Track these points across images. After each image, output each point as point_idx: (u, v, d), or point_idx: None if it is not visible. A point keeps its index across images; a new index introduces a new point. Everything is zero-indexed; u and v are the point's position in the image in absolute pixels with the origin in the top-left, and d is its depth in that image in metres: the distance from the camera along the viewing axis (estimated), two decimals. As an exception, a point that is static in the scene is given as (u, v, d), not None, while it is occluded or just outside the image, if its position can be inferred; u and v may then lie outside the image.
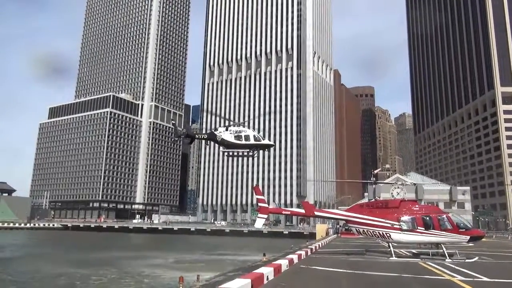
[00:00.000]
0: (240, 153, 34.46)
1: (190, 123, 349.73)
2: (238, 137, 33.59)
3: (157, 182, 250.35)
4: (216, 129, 34.99)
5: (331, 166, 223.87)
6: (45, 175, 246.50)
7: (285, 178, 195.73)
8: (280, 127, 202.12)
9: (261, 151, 34.78)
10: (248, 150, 33.66)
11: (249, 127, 35.25)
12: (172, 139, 43.49)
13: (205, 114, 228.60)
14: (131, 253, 54.70)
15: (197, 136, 35.84)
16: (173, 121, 40.71)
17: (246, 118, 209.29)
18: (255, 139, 33.62)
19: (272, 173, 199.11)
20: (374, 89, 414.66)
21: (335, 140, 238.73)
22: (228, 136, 33.74)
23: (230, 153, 34.39)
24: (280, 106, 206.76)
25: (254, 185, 34.85)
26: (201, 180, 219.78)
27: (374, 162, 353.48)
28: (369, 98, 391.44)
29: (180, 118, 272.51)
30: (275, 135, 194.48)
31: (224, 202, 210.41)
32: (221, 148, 34.78)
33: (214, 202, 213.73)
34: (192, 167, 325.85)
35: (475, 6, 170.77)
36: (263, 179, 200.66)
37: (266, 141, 34.18)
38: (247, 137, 33.53)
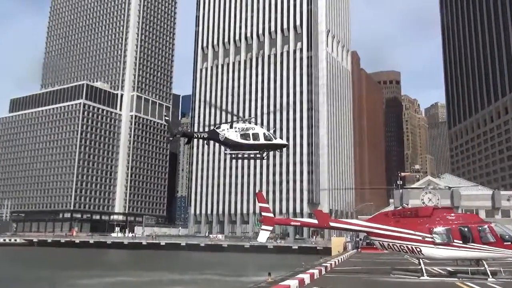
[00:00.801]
0: (248, 155, 34.72)
1: (180, 116, 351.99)
2: (245, 136, 33.82)
3: (140, 188, 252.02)
4: (218, 127, 35.18)
5: (349, 168, 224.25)
6: (6, 180, 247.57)
7: (294, 182, 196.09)
8: (288, 121, 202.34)
9: (271, 152, 35.31)
10: (257, 151, 33.88)
11: (256, 123, 35.36)
12: (166, 139, 43.55)
13: (197, 105, 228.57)
14: (98, 272, 54.47)
15: (195, 135, 35.98)
16: (166, 117, 40.56)
17: (242, 107, 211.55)
18: (266, 138, 33.82)
19: (278, 177, 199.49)
20: (400, 74, 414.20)
21: (354, 136, 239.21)
22: (233, 135, 34.01)
23: (236, 155, 34.76)
24: (287, 95, 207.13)
25: (257, 191, 35.49)
26: (193, 185, 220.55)
27: (401, 162, 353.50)
28: (394, 86, 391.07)
29: (168, 111, 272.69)
30: (281, 130, 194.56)
31: (221, 211, 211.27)
32: (224, 149, 35.24)
33: (209, 212, 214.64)
34: (182, 170, 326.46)
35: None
36: (267, 183, 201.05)
37: (278, 141, 34.39)
38: (255, 136, 33.80)
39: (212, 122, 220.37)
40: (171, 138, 37.19)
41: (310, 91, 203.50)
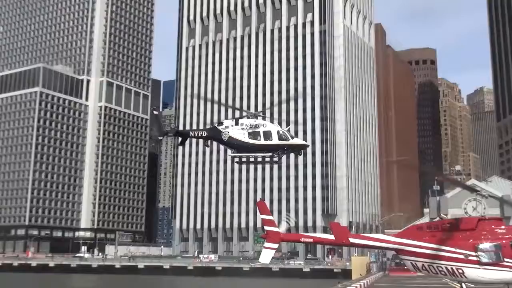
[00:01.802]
0: (258, 159, 35.24)
1: (161, 107, 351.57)
2: (254, 135, 34.35)
3: (112, 197, 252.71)
4: (220, 123, 35.63)
5: (372, 169, 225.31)
6: None
7: (305, 188, 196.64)
8: (296, 112, 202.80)
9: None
10: (270, 153, 34.38)
11: (265, 118, 35.97)
12: (153, 138, 44.28)
13: (182, 93, 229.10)
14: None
15: (192, 134, 36.51)
16: (155, 111, 39.86)
17: (238, 95, 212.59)
18: (280, 137, 34.29)
19: (284, 182, 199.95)
20: (436, 52, 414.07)
21: (379, 131, 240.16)
22: (240, 134, 34.57)
23: (243, 159, 35.21)
24: (295, 80, 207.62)
25: (258, 200, 35.65)
26: (178, 193, 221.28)
27: (438, 162, 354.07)
28: (428, 66, 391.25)
29: (146, 100, 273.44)
30: (287, 123, 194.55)
31: (213, 225, 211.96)
32: (229, 152, 35.64)
33: (198, 226, 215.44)
34: (165, 174, 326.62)
35: None
36: (271, 190, 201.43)
37: (296, 140, 34.98)
38: (267, 135, 34.29)
39: (202, 115, 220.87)
40: (160, 138, 37.51)
41: (324, 75, 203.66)
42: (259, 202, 32.19)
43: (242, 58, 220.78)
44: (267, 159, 35.25)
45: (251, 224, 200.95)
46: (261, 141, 34.17)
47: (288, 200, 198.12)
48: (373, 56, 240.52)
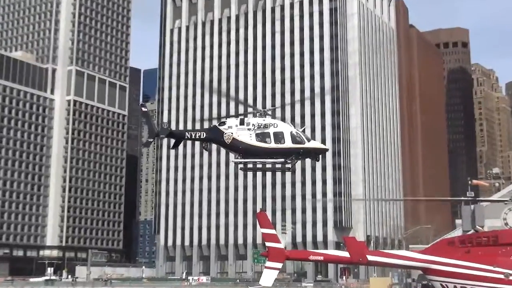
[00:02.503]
0: (268, 165, 35.85)
1: (141, 99, 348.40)
2: (263, 136, 34.64)
3: (83, 209, 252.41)
4: (222, 122, 36.22)
5: (394, 173, 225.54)
6: None
7: (313, 196, 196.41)
8: (302, 106, 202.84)
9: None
10: (282, 159, 34.80)
11: (274, 116, 36.27)
12: (144, 142, 44.53)
13: (166, 84, 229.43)
14: None
15: (188, 135, 37.12)
16: (144, 108, 40.48)
17: (233, 85, 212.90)
18: (294, 139, 34.56)
19: (289, 189, 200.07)
20: (469, 33, 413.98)
21: (401, 127, 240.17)
22: (246, 135, 34.78)
23: (250, 165, 35.82)
24: (301, 68, 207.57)
25: (258, 210, 35.75)
26: (163, 204, 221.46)
27: (472, 163, 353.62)
28: (460, 50, 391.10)
29: (123, 93, 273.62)
30: (292, 119, 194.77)
31: (204, 241, 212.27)
32: (233, 157, 36.11)
33: (186, 243, 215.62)
34: (147, 181, 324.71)
35: None
36: (273, 199, 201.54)
37: (313, 143, 35.24)
38: (279, 136, 34.57)
39: (190, 110, 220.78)
40: (150, 140, 38.46)
41: (335, 61, 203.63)
42: (259, 213, 32.56)
43: (237, 41, 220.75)
44: (278, 165, 35.65)
45: (249, 239, 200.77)
46: (271, 144, 34.35)
47: (293, 211, 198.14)
48: (394, 39, 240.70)
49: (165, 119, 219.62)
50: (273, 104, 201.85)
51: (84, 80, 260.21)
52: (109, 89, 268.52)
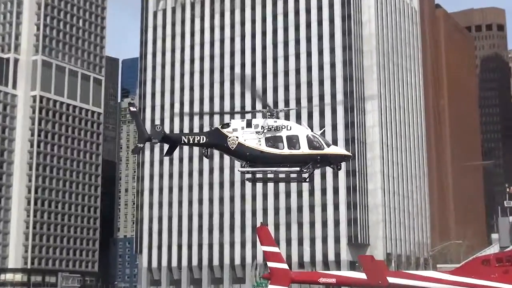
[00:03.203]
0: (281, 175, 36.48)
1: (119, 96, 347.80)
2: (274, 141, 34.94)
3: (52, 225, 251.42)
4: (225, 124, 36.64)
5: (419, 179, 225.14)
6: None
7: (323, 208, 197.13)
8: (309, 100, 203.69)
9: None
10: (297, 168, 35.14)
11: (278, 116, 36.53)
12: (133, 148, 44.24)
13: (149, 76, 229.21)
14: None
15: (185, 139, 37.40)
16: (132, 107, 40.69)
17: (227, 77, 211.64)
18: (311, 144, 34.85)
19: (295, 199, 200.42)
20: (505, 14, 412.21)
21: (426, 125, 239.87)
22: (254, 139, 35.11)
23: (259, 175, 37.07)
24: (307, 56, 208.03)
25: (258, 225, 36.29)
26: (146, 218, 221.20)
27: (511, 167, 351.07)
28: (494, 34, 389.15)
29: (98, 87, 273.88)
30: (297, 118, 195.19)
31: (195, 262, 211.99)
32: (239, 166, 36.67)
33: (173, 263, 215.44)
34: (126, 191, 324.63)
35: None
36: (276, 211, 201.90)
37: (333, 149, 35.64)
38: (293, 141, 34.89)
39: (177, 106, 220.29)
40: (140, 145, 38.16)
41: (347, 48, 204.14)
42: (260, 228, 35.48)
43: (232, 26, 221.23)
44: (293, 175, 36.11)
45: (248, 259, 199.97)
46: (284, 150, 34.71)
47: (300, 225, 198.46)
48: (417, 21, 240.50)
49: (147, 117, 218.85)
50: (275, 100, 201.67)
51: (52, 72, 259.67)
52: (81, 82, 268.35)
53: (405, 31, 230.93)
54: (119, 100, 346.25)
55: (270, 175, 36.52)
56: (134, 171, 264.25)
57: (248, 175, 36.95)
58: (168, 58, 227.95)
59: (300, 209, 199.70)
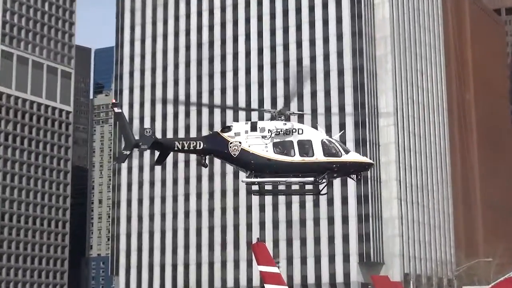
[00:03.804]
0: (293, 187, 36.55)
1: (92, 91, 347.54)
2: (283, 147, 35.06)
3: (14, 243, 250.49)
4: (226, 128, 36.77)
5: (441, 187, 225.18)
6: None
7: (330, 221, 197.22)
8: (314, 95, 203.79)
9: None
10: (312, 178, 35.31)
11: (287, 117, 36.29)
12: (117, 155, 43.52)
13: (126, 68, 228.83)
14: None
15: (178, 145, 37.62)
16: (116, 108, 40.40)
17: (218, 67, 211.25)
18: (327, 150, 35.04)
19: (297, 210, 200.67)
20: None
21: (449, 121, 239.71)
22: (260, 145, 35.18)
23: (266, 187, 36.63)
24: (312, 43, 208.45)
25: (255, 241, 36.28)
26: (122, 234, 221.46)
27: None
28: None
29: (67, 81, 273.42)
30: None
31: (180, 284, 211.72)
32: (244, 176, 36.30)
33: (155, 286, 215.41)
34: (100, 202, 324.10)
35: None
36: (275, 224, 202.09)
37: (353, 156, 35.88)
38: (305, 146, 35.00)
39: (159, 104, 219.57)
40: (126, 152, 37.70)
41: (357, 35, 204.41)
42: (256, 245, 34.87)
43: (223, 9, 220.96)
44: (307, 187, 36.16)
45: (242, 281, 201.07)
46: (295, 157, 34.49)
47: (303, 241, 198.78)
48: (439, 3, 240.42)
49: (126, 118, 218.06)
50: (273, 95, 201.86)
51: (13, 64, 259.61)
52: (47, 76, 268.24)
53: (425, 15, 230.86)
54: (91, 97, 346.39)
55: (280, 187, 36.59)
56: (109, 179, 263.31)
57: (254, 187, 36.34)
58: (149, 47, 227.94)
59: (303, 222, 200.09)
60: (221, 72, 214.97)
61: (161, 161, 40.25)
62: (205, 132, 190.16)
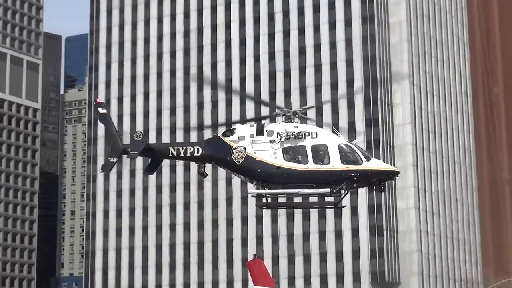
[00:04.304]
0: (307, 200, 38.06)
1: (62, 85, 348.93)
2: (295, 153, 35.58)
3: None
4: (228, 131, 37.15)
5: (466, 195, 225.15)
6: None
7: (338, 233, 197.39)
8: (318, 86, 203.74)
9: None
10: (329, 189, 35.83)
11: (295, 117, 37.32)
12: (103, 165, 44.20)
13: (102, 59, 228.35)
14: None
15: (173, 151, 37.76)
16: (101, 108, 39.47)
17: (207, 56, 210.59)
18: (345, 156, 35.63)
19: (299, 222, 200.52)
20: None
21: (474, 119, 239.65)
22: (267, 150, 35.63)
23: (276, 200, 37.34)
24: (316, 29, 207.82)
25: (251, 257, 47.04)
26: (98, 250, 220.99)
27: None
28: None
29: (34, 74, 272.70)
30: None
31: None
32: (252, 187, 36.55)
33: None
34: (72, 213, 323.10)
35: None
36: (274, 239, 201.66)
37: (375, 163, 36.71)
38: (319, 152, 35.53)
39: (141, 98, 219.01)
40: (113, 160, 38.90)
41: (368, 19, 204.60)
42: (253, 262, 35.72)
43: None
44: (323, 199, 37.91)
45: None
46: (309, 164, 35.01)
47: (306, 257, 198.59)
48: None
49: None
50: (272, 90, 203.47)
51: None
52: (11, 68, 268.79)
53: (447, 12, 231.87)
54: (62, 92, 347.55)
55: (291, 200, 37.24)
56: (83, 187, 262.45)
57: (264, 200, 36.77)
58: (128, 34, 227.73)
59: (306, 236, 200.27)
60: (211, 64, 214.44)
61: (153, 169, 40.96)
62: (193, 134, 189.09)
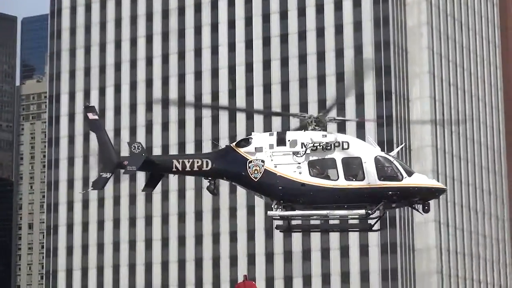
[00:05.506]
0: (335, 222, 37.55)
1: (18, 76, 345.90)
2: (323, 166, 35.61)
3: None
4: (244, 141, 37.14)
5: (494, 205, 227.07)
6: None
7: (343, 250, 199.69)
8: (320, 76, 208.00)
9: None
10: (364, 211, 35.65)
11: (322, 124, 36.82)
12: (94, 181, 44.16)
13: (65, 44, 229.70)
14: None
15: (178, 164, 37.74)
16: (91, 113, 40.71)
17: (191, 46, 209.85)
18: (383, 171, 35.61)
19: (298, 239, 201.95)
20: None
21: (505, 111, 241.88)
22: (289, 164, 35.39)
23: (299, 222, 37.44)
24: (319, 11, 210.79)
25: (241, 279, 39.99)
26: (61, 270, 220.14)
27: None
28: None
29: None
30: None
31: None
32: (273, 209, 36.37)
33: None
34: (31, 228, 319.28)
35: None
36: (268, 257, 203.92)
37: (418, 179, 36.35)
38: (352, 167, 35.44)
39: (111, 91, 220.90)
40: (106, 175, 40.37)
41: (383, 11, 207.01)
42: (243, 285, 35.88)
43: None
44: (354, 221, 37.36)
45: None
46: (340, 180, 35.02)
47: (307, 279, 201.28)
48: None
49: (63, 112, 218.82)
50: (267, 82, 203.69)
51: None
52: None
53: (475, 13, 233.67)
54: (17, 83, 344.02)
55: (316, 222, 37.03)
56: (43, 196, 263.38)
57: (280, 222, 36.98)
58: (96, 15, 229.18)
59: (307, 254, 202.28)
60: (195, 50, 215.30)
61: (153, 186, 40.86)
62: (173, 134, 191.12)
